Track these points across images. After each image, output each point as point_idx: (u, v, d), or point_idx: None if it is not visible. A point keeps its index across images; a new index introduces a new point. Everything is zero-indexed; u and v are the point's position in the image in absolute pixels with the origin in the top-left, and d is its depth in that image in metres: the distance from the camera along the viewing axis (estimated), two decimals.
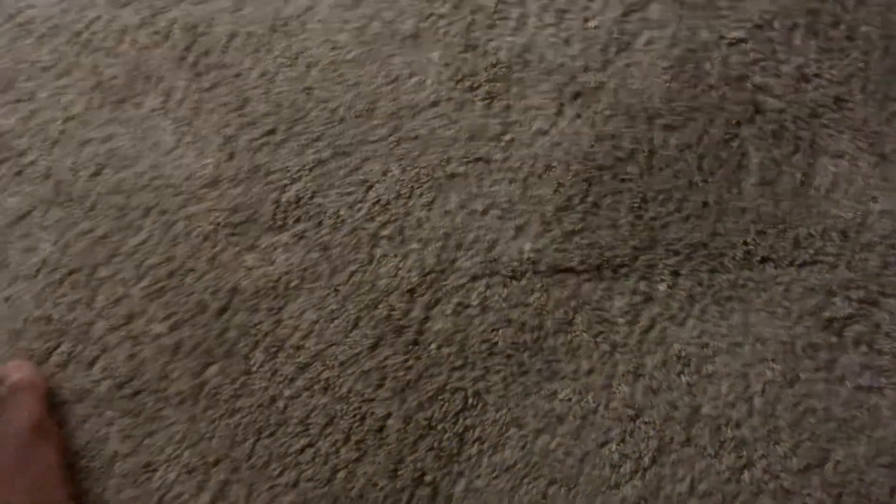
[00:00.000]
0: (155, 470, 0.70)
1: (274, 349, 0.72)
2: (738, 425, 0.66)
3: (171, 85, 0.81)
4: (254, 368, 0.71)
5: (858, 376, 0.66)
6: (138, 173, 0.78)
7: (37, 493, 0.64)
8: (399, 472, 0.68)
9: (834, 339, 0.67)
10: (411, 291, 0.72)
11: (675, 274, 0.71)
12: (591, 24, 0.78)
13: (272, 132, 0.78)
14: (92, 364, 0.72)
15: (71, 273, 0.75)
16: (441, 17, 0.80)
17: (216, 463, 0.69)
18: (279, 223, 0.75)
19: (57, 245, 0.75)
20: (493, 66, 0.78)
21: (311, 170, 0.76)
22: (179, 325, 0.73)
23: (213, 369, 0.71)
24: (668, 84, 0.76)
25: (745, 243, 0.71)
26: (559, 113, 0.76)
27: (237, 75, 0.80)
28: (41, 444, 0.67)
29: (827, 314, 0.68)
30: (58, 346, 0.72)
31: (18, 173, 0.78)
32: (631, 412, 0.67)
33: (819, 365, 0.67)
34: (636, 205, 0.73)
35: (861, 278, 0.69)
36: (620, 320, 0.69)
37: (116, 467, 0.70)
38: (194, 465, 0.69)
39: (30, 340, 0.72)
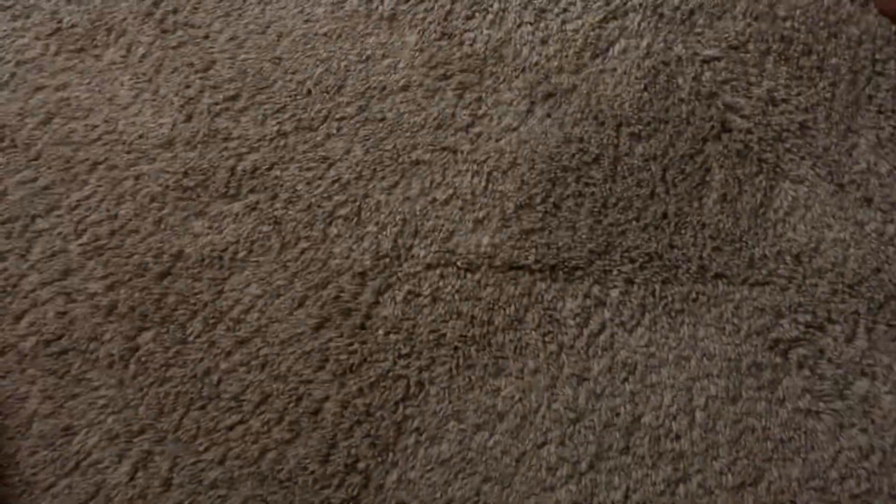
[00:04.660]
0: (75, 434, 0.66)
1: (213, 320, 0.69)
2: (677, 437, 0.66)
3: (135, 39, 0.78)
4: (190, 338, 0.68)
5: (799, 399, 0.67)
6: (90, 126, 0.75)
7: None
8: (331, 458, 0.66)
9: (778, 360, 0.68)
10: (363, 274, 0.71)
11: (629, 282, 0.70)
12: (569, 27, 0.78)
13: (235, 98, 0.75)
14: (19, 318, 0.69)
15: (7, 222, 0.71)
16: (420, 1, 0.79)
17: (141, 432, 0.66)
18: (232, 192, 0.73)
19: None
20: (468, 56, 0.77)
21: (271, 140, 0.74)
22: (116, 285, 0.70)
23: (147, 335, 0.68)
24: (639, 94, 0.76)
25: (701, 258, 0.71)
26: (530, 111, 0.76)
27: (205, 37, 0.77)
28: None
29: (774, 335, 0.68)
30: None
31: None
32: (572, 415, 0.66)
33: (762, 384, 0.67)
34: (597, 209, 0.72)
35: (810, 303, 0.69)
36: (570, 322, 0.69)
37: (34, 427, 0.66)
38: (117, 432, 0.66)
39: None
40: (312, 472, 0.65)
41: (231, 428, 0.67)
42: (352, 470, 0.65)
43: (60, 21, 0.78)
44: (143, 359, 0.68)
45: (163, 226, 0.72)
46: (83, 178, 0.73)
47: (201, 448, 0.66)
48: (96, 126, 0.75)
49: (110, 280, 0.70)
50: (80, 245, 0.71)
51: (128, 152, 0.74)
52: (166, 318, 0.69)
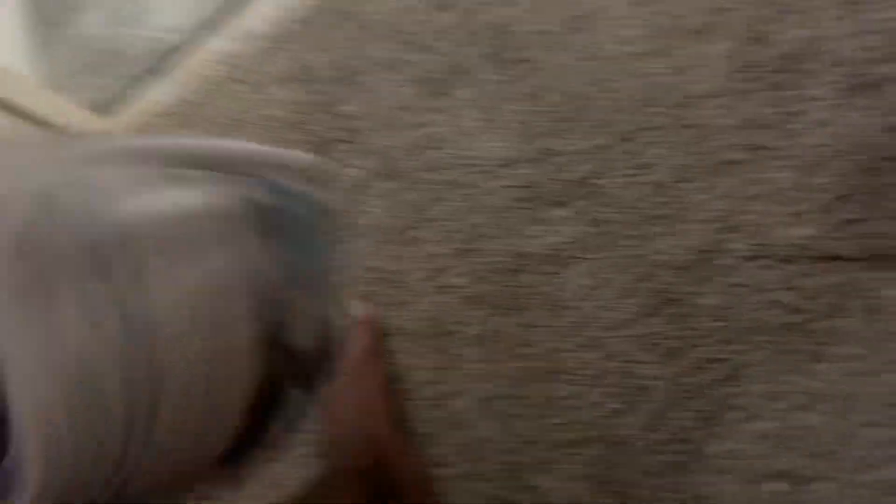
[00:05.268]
0: (452, 398, 0.85)
1: (554, 307, 0.83)
2: None
3: (480, 77, 0.94)
4: (540, 322, 0.83)
5: None
6: (449, 153, 0.93)
7: (368, 398, 0.83)
8: (661, 427, 0.76)
9: None
10: (685, 268, 0.79)
11: None
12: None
13: (563, 119, 0.88)
14: (407, 307, 0.89)
15: (394, 233, 0.92)
16: (728, 10, 0.84)
17: (503, 397, 0.82)
18: (563, 199, 0.86)
19: (385, 210, 0.93)
20: (779, 57, 0.81)
21: (594, 153, 0.86)
22: (477, 280, 0.87)
23: (502, 319, 0.85)
24: None
25: None
26: (845, 103, 0.78)
27: (536, 69, 0.91)
28: (372, 364, 0.85)
29: None
30: (384, 290, 0.90)
31: (358, 151, 0.97)
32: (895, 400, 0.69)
33: None
34: None
35: None
36: (893, 310, 0.70)
37: (423, 391, 0.86)
38: (485, 396, 0.83)
39: (366, 284, 0.91)
40: (644, 439, 0.76)
41: (571, 397, 0.80)
42: (680, 439, 0.75)
43: (424, 69, 0.98)
44: (499, 338, 0.84)
45: (508, 230, 0.87)
46: (446, 195, 0.92)
47: (549, 413, 0.80)
48: (453, 153, 0.93)
49: (473, 276, 0.87)
50: (449, 248, 0.89)
51: (480, 172, 0.91)
52: (516, 306, 0.84)
